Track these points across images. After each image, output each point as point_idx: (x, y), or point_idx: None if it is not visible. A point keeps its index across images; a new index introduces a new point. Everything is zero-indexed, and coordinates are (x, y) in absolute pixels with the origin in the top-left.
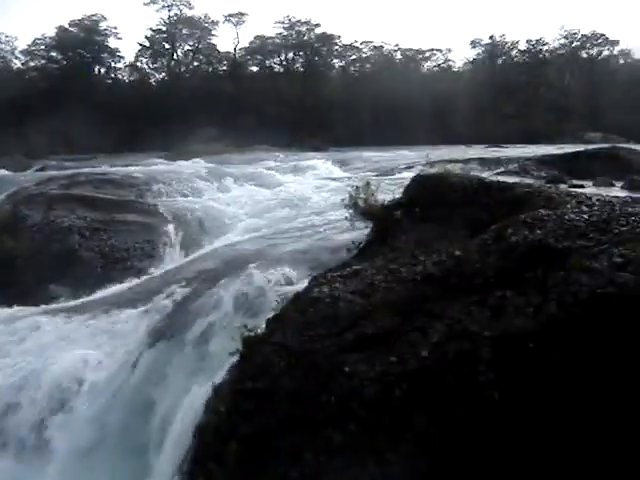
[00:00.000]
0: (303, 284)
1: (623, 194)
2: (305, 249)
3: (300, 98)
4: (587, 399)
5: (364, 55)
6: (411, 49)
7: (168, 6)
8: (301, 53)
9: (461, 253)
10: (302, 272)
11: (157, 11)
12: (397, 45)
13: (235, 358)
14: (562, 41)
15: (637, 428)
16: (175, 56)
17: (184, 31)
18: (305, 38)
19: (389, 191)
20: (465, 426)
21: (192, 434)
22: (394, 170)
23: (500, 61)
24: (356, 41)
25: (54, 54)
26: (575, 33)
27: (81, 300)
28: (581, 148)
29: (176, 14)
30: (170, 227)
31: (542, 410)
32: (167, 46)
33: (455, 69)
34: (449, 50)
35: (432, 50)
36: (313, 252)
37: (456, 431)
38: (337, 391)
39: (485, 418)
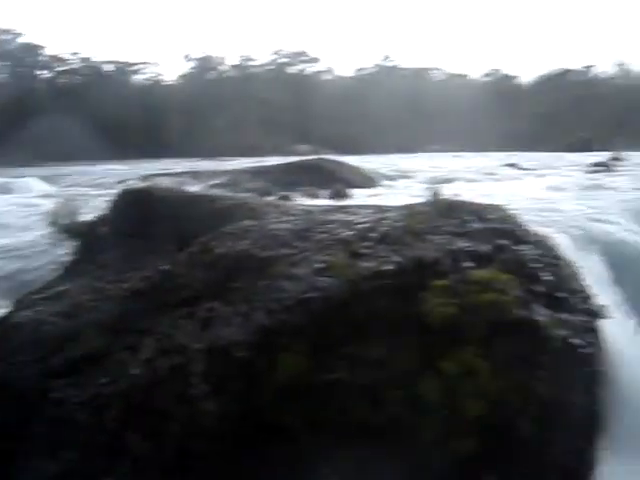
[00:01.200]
0: (3, 310)
1: (325, 203)
2: (4, 273)
3: (5, 111)
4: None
5: (73, 67)
6: (120, 61)
7: None
8: (5, 63)
9: (169, 267)
10: (2, 297)
11: None
12: (107, 57)
13: None
14: (272, 57)
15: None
16: None
17: None
18: (11, 47)
19: (96, 207)
20: (183, 441)
21: None
22: (104, 185)
23: (211, 75)
24: (64, 52)
25: None
26: (281, 50)
27: None
28: (290, 160)
29: None
30: None
31: (258, 416)
32: None
33: (168, 82)
34: (157, 63)
35: (143, 63)
36: (13, 275)
37: (173, 447)
38: (47, 419)
39: (203, 431)
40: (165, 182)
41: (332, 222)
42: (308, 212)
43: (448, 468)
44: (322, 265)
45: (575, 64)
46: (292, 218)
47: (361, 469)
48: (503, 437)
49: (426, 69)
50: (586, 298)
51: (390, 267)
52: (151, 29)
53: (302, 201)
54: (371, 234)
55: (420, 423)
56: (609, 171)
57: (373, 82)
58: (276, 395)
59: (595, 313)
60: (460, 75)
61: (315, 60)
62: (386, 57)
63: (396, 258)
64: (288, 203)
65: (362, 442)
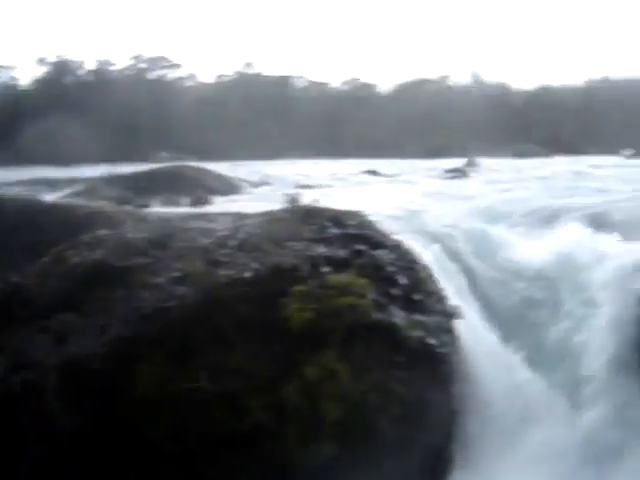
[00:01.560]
0: None
1: (185, 210)
2: None
3: None
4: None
5: None
6: None
7: None
8: None
9: (20, 279)
10: None
11: None
12: None
13: None
14: (131, 62)
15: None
16: None
17: None
18: None
19: None
20: (39, 459)
21: None
22: None
23: (68, 80)
24: None
25: None
26: (141, 55)
27: None
28: (150, 167)
29: None
30: None
31: (118, 430)
32: None
33: (23, 87)
34: (14, 67)
35: None
36: None
37: (29, 467)
38: None
39: (61, 448)
40: (17, 191)
41: (191, 230)
42: (166, 220)
43: (312, 471)
44: (180, 274)
45: (431, 74)
46: (150, 226)
47: (228, 477)
48: (364, 438)
49: (288, 77)
50: (441, 300)
51: (249, 274)
52: (6, 31)
53: (161, 209)
54: (230, 241)
55: (284, 428)
56: (464, 176)
57: (235, 89)
58: (136, 407)
59: (450, 314)
60: (321, 83)
61: (177, 66)
62: (248, 64)
63: (255, 265)
64: (146, 211)
65: (227, 450)
